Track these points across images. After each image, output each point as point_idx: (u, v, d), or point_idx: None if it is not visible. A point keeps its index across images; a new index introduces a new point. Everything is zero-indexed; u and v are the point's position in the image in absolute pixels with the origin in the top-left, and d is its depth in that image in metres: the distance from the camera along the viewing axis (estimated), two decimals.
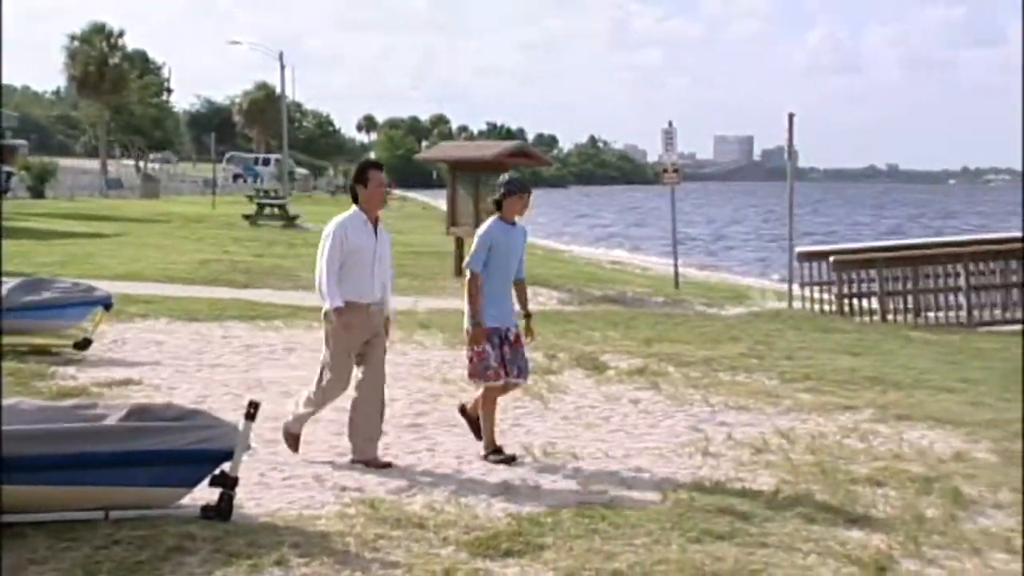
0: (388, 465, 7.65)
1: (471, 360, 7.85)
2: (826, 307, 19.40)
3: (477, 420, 8.08)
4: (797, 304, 19.86)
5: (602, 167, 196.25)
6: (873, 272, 19.08)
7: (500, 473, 7.60)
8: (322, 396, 7.71)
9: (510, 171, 8.87)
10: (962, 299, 18.77)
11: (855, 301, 19.18)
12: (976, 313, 18.68)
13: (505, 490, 7.18)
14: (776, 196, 20.22)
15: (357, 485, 7.17)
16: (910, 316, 18.77)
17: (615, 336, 14.73)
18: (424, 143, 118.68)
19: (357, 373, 7.69)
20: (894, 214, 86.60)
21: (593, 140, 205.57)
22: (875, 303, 19.03)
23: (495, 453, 7.90)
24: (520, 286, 8.17)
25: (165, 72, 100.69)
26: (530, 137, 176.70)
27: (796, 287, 20.08)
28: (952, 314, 18.74)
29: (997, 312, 18.92)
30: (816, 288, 19.80)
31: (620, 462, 8.09)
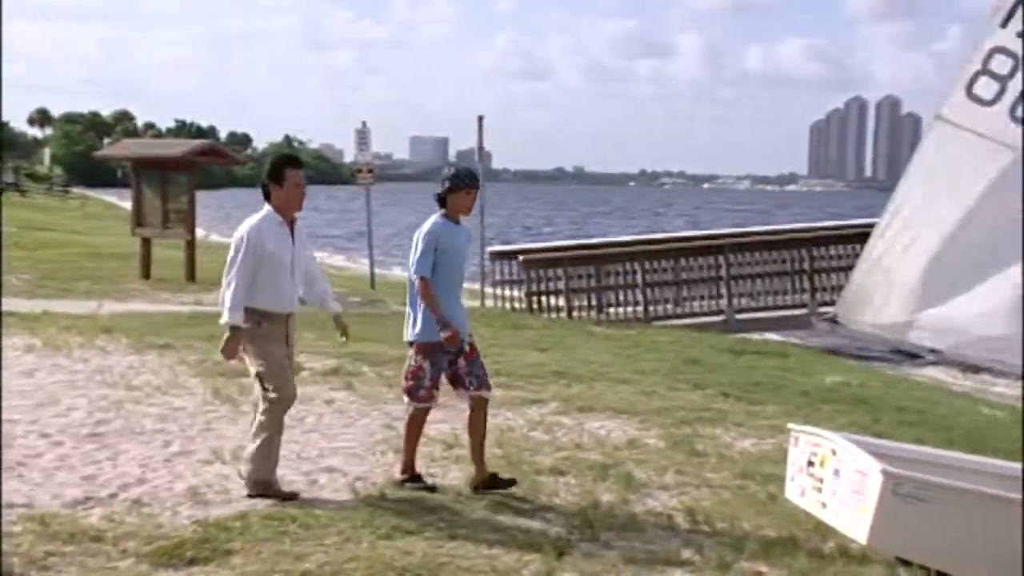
0: (294, 496, 6.96)
1: (406, 377, 7.26)
2: (516, 305, 20.06)
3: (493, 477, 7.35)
4: (490, 302, 20.41)
5: None
6: (559, 271, 19.94)
7: (187, 480, 7.38)
8: (277, 408, 6.93)
9: (454, 165, 7.88)
10: (639, 295, 19.94)
11: (543, 298, 19.98)
12: (651, 308, 19.87)
13: (192, 497, 6.98)
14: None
15: (25, 500, 6.74)
16: (593, 312, 19.75)
17: (309, 337, 14.55)
18: (107, 140, 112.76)
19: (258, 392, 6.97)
20: (580, 212, 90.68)
21: (288, 139, 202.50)
22: (561, 300, 19.88)
23: (412, 480, 7.30)
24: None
25: None
26: (222, 135, 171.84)
27: (488, 286, 20.63)
28: (631, 310, 19.87)
29: (669, 307, 20.22)
30: (507, 287, 20.43)
31: (313, 462, 8.05)
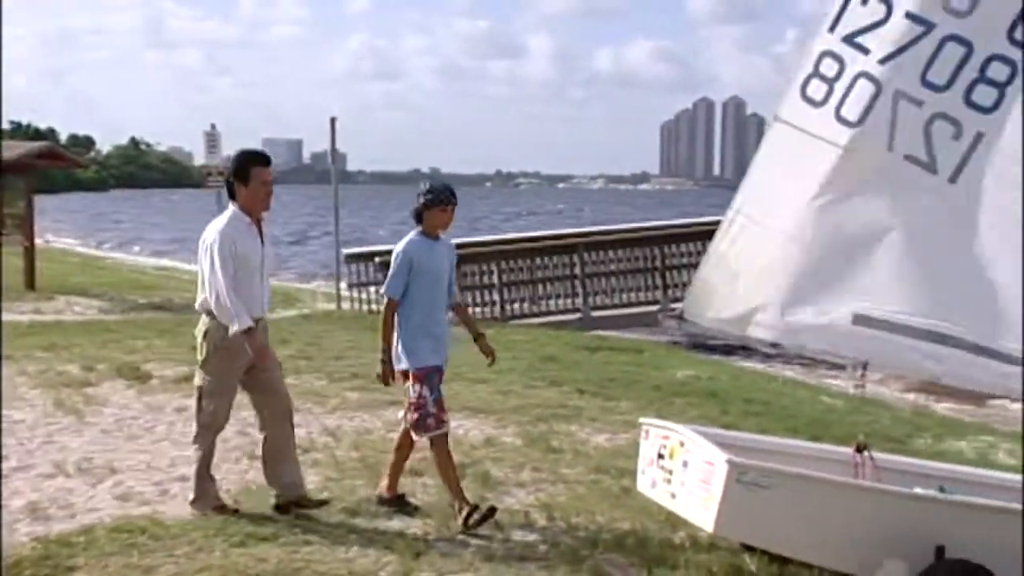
0: (324, 503, 6.85)
1: (409, 410, 6.79)
2: (374, 307, 19.91)
3: (400, 498, 7.08)
4: (346, 305, 20.23)
5: (146, 169, 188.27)
6: None
7: (26, 496, 7.10)
8: (208, 430, 6.67)
9: (431, 179, 7.26)
10: (496, 295, 20.08)
11: None
12: (508, 308, 20.02)
13: (31, 513, 6.74)
14: (328, 198, 20.72)
15: None
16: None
17: (161, 344, 14.25)
18: None
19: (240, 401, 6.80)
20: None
21: (135, 141, 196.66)
22: None
23: (472, 514, 6.62)
24: (460, 308, 7.27)
25: None
26: (63, 138, 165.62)
27: (345, 289, 20.45)
28: (487, 309, 19.98)
29: (526, 306, 20.40)
30: (364, 288, 20.28)
31: (164, 472, 7.88)
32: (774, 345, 6.75)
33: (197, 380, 6.69)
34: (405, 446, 7.01)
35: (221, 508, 6.72)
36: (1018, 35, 6.07)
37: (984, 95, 6.13)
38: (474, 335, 7.08)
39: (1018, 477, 7.77)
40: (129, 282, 25.98)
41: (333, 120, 21.03)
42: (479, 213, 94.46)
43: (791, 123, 6.47)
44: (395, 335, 6.79)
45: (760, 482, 5.51)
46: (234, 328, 6.39)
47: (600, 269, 20.86)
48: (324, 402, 10.69)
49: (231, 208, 6.61)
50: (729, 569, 6.09)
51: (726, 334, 6.74)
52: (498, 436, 9.38)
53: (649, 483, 6.32)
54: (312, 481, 7.61)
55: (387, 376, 6.79)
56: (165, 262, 38.85)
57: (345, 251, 21.12)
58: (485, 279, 20.16)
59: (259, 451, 7.06)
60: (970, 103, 6.16)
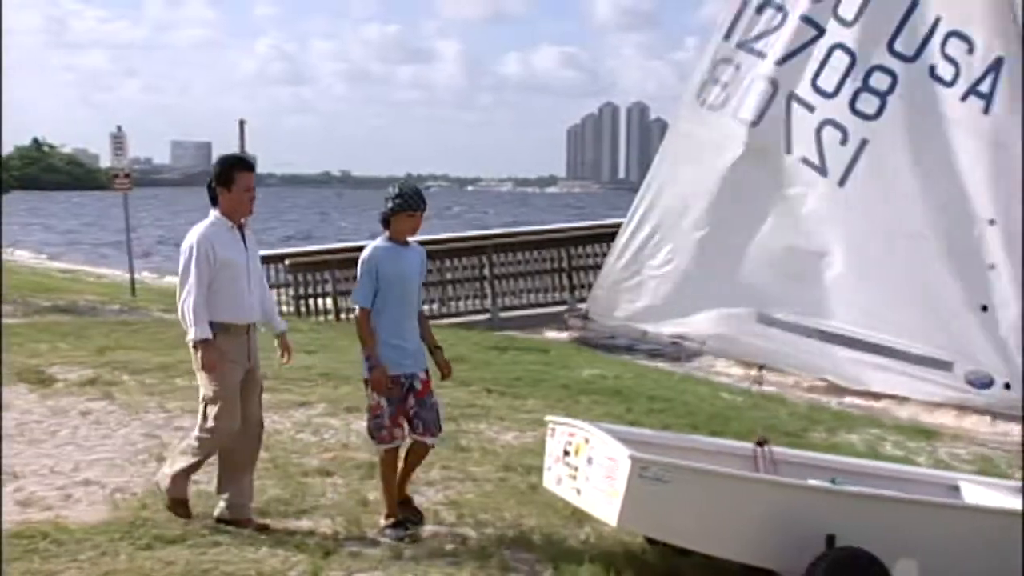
0: (265, 527, 6.51)
1: (367, 415, 6.60)
2: (285, 308, 19.69)
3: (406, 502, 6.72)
4: None
5: (50, 172, 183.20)
6: (327, 274, 19.69)
7: None
8: (211, 439, 6.43)
9: (400, 183, 6.86)
10: None
11: (311, 301, 19.70)
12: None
13: None
14: None
15: None
16: None
17: (65, 347, 13.92)
18: None
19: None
20: (349, 217, 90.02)
21: (38, 143, 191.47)
22: (330, 303, 19.65)
23: (395, 527, 6.51)
24: (421, 316, 6.82)
25: None
26: None
27: None
28: None
29: (436, 307, 20.32)
30: (276, 291, 20.02)
31: (68, 476, 7.70)
32: (676, 344, 6.84)
33: (202, 390, 6.47)
34: (386, 466, 6.62)
35: (184, 505, 6.54)
36: (898, 47, 6.27)
37: (868, 103, 6.33)
38: (430, 347, 6.80)
39: (906, 468, 8.03)
40: (32, 284, 25.29)
41: (242, 123, 20.84)
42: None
43: (690, 125, 6.59)
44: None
45: (662, 477, 5.59)
46: (189, 336, 6.26)
47: (508, 271, 20.95)
48: None
49: (212, 213, 6.47)
50: (633, 563, 6.18)
51: (630, 334, 6.82)
52: None
53: (555, 479, 6.37)
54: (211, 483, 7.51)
55: (379, 383, 6.43)
56: (70, 265, 37.99)
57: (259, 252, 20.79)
58: None
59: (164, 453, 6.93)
60: (855, 110, 6.36)
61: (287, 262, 20.08)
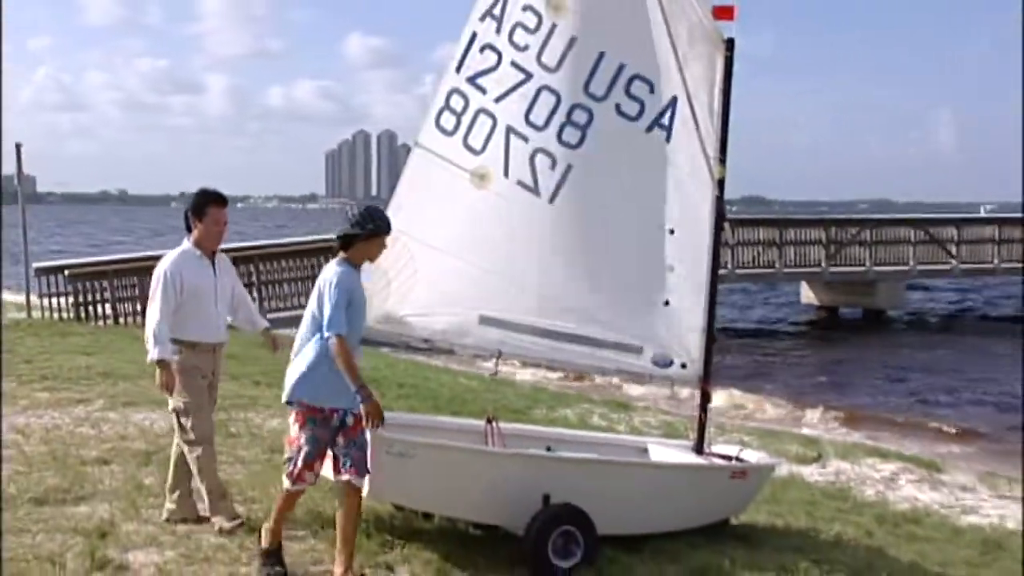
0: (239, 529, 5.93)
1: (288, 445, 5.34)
2: (64, 314, 18.48)
3: None
4: (36, 314, 18.58)
5: None
6: (105, 282, 18.69)
7: None
8: (198, 445, 6.03)
9: (367, 205, 5.73)
10: None
11: (90, 308, 18.59)
12: None
13: None
14: (16, 216, 18.99)
15: None
16: (139, 318, 18.63)
17: None
18: None
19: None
20: (129, 232, 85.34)
21: None
22: (108, 309, 18.60)
23: (266, 557, 5.36)
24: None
25: None
26: None
27: (36, 299, 18.79)
28: None
29: None
30: (55, 299, 18.74)
31: None
32: (425, 340, 6.84)
33: (172, 403, 6.08)
34: (345, 519, 5.27)
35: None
36: (592, 89, 6.55)
37: (571, 135, 6.56)
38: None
39: (608, 435, 8.35)
40: None
41: (18, 145, 19.41)
42: (165, 228, 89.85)
43: (428, 149, 6.59)
44: (312, 363, 5.26)
45: (405, 452, 5.58)
46: (150, 356, 5.89)
47: (274, 277, 20.44)
48: (15, 403, 9.75)
49: (185, 242, 6.15)
50: (381, 527, 6.13)
51: (383, 332, 6.76)
52: None
53: None
54: None
55: (375, 414, 5.15)
56: None
57: (35, 265, 19.39)
58: None
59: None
60: (561, 141, 6.56)
61: (67, 272, 18.83)
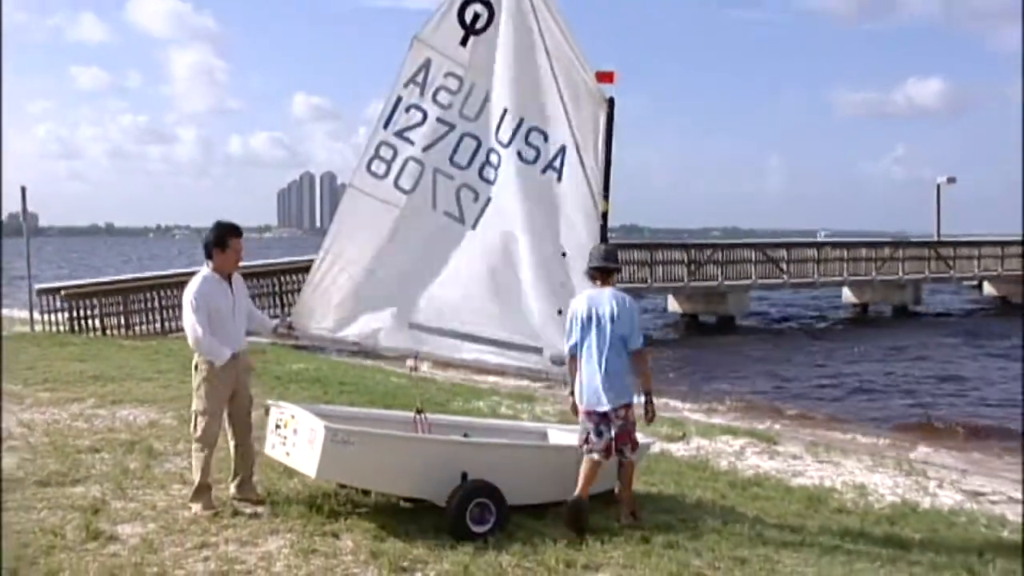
0: (262, 502, 6.05)
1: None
2: (61, 328, 18.00)
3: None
4: (39, 327, 18.04)
5: None
6: (95, 300, 18.36)
7: None
8: (203, 445, 5.94)
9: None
10: (158, 316, 18.80)
11: (83, 322, 18.19)
12: (167, 324, 18.70)
13: None
14: (20, 249, 18.49)
15: None
16: (123, 330, 18.26)
17: None
18: None
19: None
20: (116, 258, 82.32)
21: None
22: (98, 323, 18.20)
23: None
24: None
25: None
26: None
27: (37, 315, 18.26)
28: (151, 327, 18.64)
29: (181, 323, 19.08)
30: (53, 315, 18.23)
31: None
32: (356, 345, 6.81)
33: (194, 404, 6.01)
34: None
35: (211, 508, 5.93)
36: (500, 136, 6.65)
37: (489, 173, 6.61)
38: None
39: (514, 423, 8.35)
40: None
41: (23, 188, 19.08)
42: (147, 256, 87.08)
43: (360, 189, 6.58)
44: None
45: (347, 439, 5.56)
46: (218, 363, 5.91)
47: (294, 288, 19.74)
48: (22, 401, 9.55)
49: (205, 268, 6.04)
50: (328, 501, 6.10)
51: (322, 339, 6.76)
52: (159, 419, 8.86)
53: (271, 446, 6.20)
54: (9, 463, 6.79)
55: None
56: None
57: (38, 286, 18.91)
58: (149, 304, 18.84)
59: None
60: (482, 177, 6.62)
61: (63, 292, 18.42)
